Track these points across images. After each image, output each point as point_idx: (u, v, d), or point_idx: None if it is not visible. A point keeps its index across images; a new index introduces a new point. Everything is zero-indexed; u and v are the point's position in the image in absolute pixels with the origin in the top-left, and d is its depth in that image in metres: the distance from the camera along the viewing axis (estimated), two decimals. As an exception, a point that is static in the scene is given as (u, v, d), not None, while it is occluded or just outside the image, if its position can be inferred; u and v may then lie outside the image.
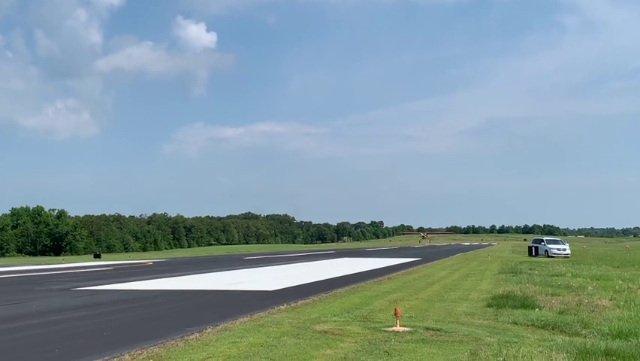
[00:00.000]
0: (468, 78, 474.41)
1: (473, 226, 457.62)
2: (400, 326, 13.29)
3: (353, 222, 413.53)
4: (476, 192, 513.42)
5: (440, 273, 34.42)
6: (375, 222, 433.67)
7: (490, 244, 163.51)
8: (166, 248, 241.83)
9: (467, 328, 13.52)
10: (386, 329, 13.19)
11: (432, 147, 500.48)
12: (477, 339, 12.01)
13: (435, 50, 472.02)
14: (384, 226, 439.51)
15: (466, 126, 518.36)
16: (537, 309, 16.78)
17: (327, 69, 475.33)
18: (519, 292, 21.04)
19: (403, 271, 35.31)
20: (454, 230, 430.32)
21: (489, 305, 18.00)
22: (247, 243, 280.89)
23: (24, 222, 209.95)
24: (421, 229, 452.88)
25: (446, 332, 12.88)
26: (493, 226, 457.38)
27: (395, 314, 13.49)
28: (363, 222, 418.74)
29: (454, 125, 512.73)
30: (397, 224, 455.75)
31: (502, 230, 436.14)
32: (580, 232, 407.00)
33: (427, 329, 13.23)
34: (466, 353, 10.62)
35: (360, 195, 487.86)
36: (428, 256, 66.66)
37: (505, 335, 12.69)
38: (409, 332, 12.81)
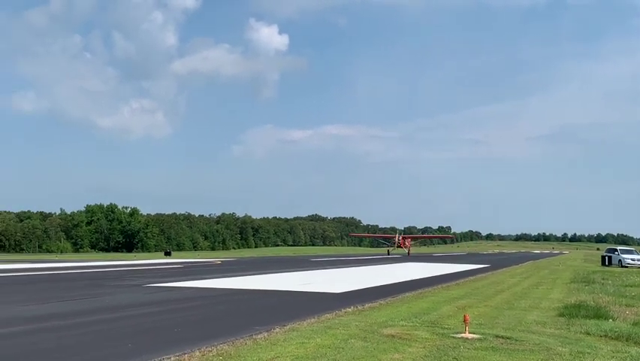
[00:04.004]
0: (541, 83, 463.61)
1: (544, 233, 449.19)
2: (469, 332, 13.11)
3: (420, 226, 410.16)
4: (548, 199, 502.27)
5: (510, 280, 33.82)
6: (442, 228, 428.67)
7: (561, 253, 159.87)
8: (234, 248, 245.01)
9: (538, 337, 13.25)
10: (455, 335, 13.04)
11: (503, 152, 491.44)
12: (548, 349, 11.75)
13: (507, 53, 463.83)
14: (452, 231, 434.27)
15: (539, 132, 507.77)
16: (610, 320, 16.33)
17: (397, 72, 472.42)
18: (592, 302, 20.53)
19: (472, 278, 34.82)
20: (524, 237, 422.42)
21: (561, 315, 17.60)
22: (313, 245, 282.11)
23: (98, 219, 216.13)
24: (489, 236, 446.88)
25: (516, 340, 12.64)
26: (565, 234, 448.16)
27: (464, 321, 13.32)
28: (430, 227, 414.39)
29: (525, 130, 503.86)
30: (466, 230, 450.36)
31: (574, 238, 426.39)
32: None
33: (497, 336, 13.01)
34: (537, 363, 10.42)
35: (427, 200, 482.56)
36: (497, 263, 65.58)
37: (578, 345, 12.38)
38: (479, 339, 12.63)
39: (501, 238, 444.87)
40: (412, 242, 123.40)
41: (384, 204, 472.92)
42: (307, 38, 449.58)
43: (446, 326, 14.41)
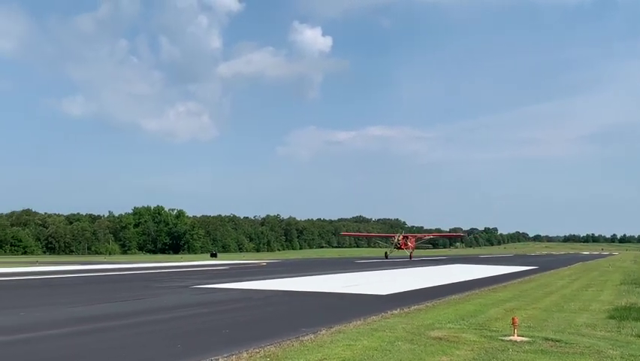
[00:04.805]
0: (589, 82, 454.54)
1: (593, 234, 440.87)
2: (518, 335, 12.96)
3: (466, 228, 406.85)
4: (596, 199, 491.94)
5: (558, 282, 33.31)
6: (488, 229, 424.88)
7: (610, 254, 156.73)
8: (278, 249, 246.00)
9: (588, 340, 13.03)
10: (503, 338, 12.90)
11: (550, 152, 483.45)
12: (599, 352, 11.56)
13: (554, 52, 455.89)
14: (499, 232, 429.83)
15: (586, 131, 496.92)
16: (662, 323, 15.97)
17: (441, 72, 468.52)
18: (643, 305, 20.10)
19: (519, 280, 34.38)
20: (572, 238, 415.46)
21: (611, 317, 17.30)
22: (358, 246, 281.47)
23: (145, 221, 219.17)
24: (537, 237, 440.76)
25: (566, 343, 12.46)
26: (614, 234, 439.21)
27: (513, 323, 13.16)
28: (476, 229, 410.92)
29: (573, 130, 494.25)
30: (512, 231, 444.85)
31: (624, 240, 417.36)
32: None
33: (546, 339, 12.84)
34: (588, 367, 10.27)
35: (473, 201, 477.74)
36: (545, 264, 64.66)
37: (629, 348, 12.15)
38: (527, 341, 12.47)
39: (549, 239, 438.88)
40: (418, 242, 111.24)
41: (429, 205, 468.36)
42: (351, 40, 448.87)
43: (494, 329, 14.28)
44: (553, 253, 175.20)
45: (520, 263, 68.13)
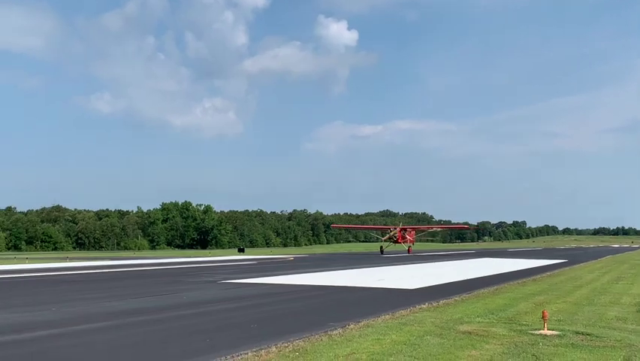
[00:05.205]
0: (617, 74, 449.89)
1: (623, 227, 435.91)
2: (548, 329, 12.87)
3: (494, 221, 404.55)
4: (627, 192, 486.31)
5: (588, 276, 32.99)
6: (517, 222, 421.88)
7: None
8: (305, 244, 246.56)
9: (619, 333, 12.90)
10: (533, 332, 12.81)
11: (578, 145, 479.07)
12: (630, 345, 11.44)
13: (582, 44, 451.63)
14: (527, 226, 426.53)
15: (616, 124, 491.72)
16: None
17: (467, 65, 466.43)
18: (676, 298, 19.85)
19: (549, 273, 34.12)
20: (602, 231, 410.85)
21: (643, 311, 17.10)
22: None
23: (173, 217, 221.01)
24: (566, 230, 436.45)
25: (597, 336, 12.35)
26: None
27: (543, 317, 13.08)
28: (504, 222, 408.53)
29: (602, 122, 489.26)
30: (541, 224, 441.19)
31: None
32: None
33: (577, 333, 12.73)
34: (619, 360, 10.16)
35: (501, 194, 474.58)
36: (575, 258, 64.11)
37: (662, 342, 12.01)
38: (558, 335, 12.38)
39: (578, 232, 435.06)
40: (420, 234, 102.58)
41: (457, 199, 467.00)
42: (376, 33, 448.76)
43: (524, 323, 14.19)
44: (583, 246, 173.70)
45: (549, 256, 67.63)
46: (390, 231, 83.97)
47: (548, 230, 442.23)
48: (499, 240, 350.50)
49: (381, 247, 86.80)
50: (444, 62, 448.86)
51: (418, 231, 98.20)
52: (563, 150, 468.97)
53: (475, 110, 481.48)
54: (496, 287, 24.15)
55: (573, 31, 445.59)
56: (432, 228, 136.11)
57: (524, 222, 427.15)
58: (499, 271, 37.90)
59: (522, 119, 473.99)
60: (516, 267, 43.11)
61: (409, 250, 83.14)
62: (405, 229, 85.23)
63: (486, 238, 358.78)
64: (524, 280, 28.61)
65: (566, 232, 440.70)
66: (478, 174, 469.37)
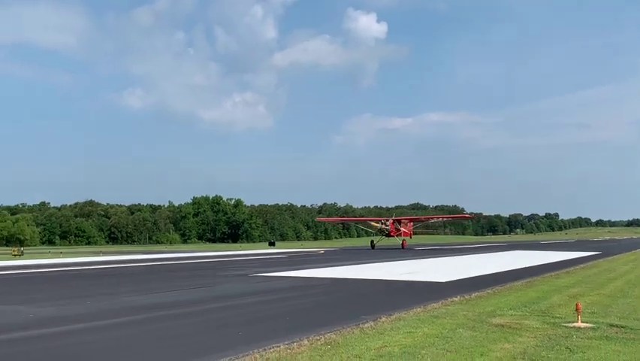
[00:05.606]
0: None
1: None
2: (582, 321, 12.74)
3: (526, 213, 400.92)
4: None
5: (622, 268, 32.58)
6: (549, 215, 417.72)
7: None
8: (336, 237, 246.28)
9: (656, 327, 12.72)
10: (566, 324, 12.69)
11: (610, 135, 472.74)
12: (667, 339, 11.27)
13: (611, 35, 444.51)
14: (560, 218, 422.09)
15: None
16: None
17: (498, 57, 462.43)
18: None
19: (582, 266, 33.75)
20: (635, 223, 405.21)
21: (678, 303, 16.84)
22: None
23: (204, 211, 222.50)
24: (599, 222, 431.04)
25: (632, 329, 12.19)
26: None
27: (576, 310, 12.94)
28: (536, 215, 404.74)
29: (632, 112, 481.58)
30: (574, 216, 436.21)
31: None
32: None
33: (611, 325, 12.58)
34: (655, 354, 10.02)
35: (533, 186, 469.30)
36: (608, 250, 63.35)
37: (699, 335, 11.81)
38: (592, 328, 12.25)
39: (612, 224, 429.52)
40: (417, 226, 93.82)
41: (488, 191, 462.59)
42: (406, 25, 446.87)
43: (557, 316, 14.05)
44: (616, 238, 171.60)
45: (582, 249, 66.91)
46: (382, 223, 76.51)
47: (581, 222, 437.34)
48: (532, 232, 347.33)
49: (372, 241, 79.69)
50: (473, 53, 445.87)
51: (415, 222, 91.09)
52: (593, 141, 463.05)
53: (504, 101, 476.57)
54: (528, 280, 23.94)
55: (603, 21, 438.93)
56: (431, 218, 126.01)
57: (557, 215, 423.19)
58: (531, 263, 37.52)
59: (551, 110, 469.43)
60: (548, 259, 42.67)
61: (403, 243, 74.69)
62: (399, 221, 78.90)
63: (518, 230, 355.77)
64: (557, 272, 28.32)
65: (599, 223, 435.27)
66: (508, 165, 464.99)
